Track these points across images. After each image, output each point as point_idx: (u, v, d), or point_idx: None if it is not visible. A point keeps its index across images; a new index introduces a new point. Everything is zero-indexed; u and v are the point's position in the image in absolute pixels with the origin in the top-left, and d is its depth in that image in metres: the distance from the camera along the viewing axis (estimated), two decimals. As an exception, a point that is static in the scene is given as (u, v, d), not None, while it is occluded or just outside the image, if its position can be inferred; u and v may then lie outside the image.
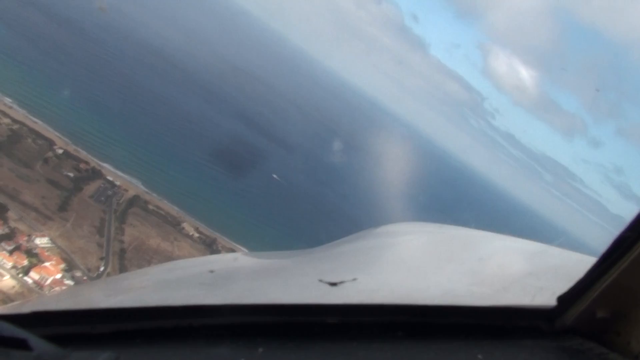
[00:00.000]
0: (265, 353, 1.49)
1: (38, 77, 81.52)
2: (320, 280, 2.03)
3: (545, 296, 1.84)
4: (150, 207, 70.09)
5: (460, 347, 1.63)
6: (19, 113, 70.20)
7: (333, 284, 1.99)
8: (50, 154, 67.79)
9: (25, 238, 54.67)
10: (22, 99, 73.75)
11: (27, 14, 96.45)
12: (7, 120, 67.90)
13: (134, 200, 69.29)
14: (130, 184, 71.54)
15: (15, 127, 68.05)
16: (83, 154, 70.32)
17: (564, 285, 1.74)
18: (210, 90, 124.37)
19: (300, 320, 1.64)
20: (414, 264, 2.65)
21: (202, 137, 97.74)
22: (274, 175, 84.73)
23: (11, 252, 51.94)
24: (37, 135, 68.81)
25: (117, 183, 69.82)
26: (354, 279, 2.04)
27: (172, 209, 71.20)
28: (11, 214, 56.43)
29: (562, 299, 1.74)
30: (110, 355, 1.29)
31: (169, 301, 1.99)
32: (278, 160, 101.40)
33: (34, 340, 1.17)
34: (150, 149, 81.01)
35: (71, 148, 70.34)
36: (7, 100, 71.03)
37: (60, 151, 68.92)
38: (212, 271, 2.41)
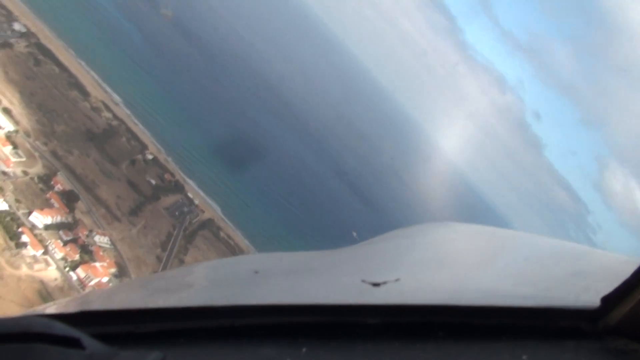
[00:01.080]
0: (308, 353, 1.52)
1: (152, 84, 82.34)
2: (363, 281, 2.01)
3: (590, 296, 1.77)
4: (222, 234, 67.08)
5: (503, 348, 1.63)
6: (123, 112, 70.60)
7: (376, 285, 1.98)
8: (139, 156, 67.14)
9: (86, 232, 52.64)
10: (130, 99, 74.27)
11: (165, 29, 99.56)
12: (108, 115, 68.32)
13: (207, 224, 66.53)
14: (209, 207, 69.19)
15: (115, 123, 68.21)
16: (172, 165, 69.13)
17: (609, 285, 1.71)
18: (313, 135, 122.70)
19: (343, 321, 1.65)
20: (457, 264, 2.61)
21: (294, 181, 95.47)
22: (354, 233, 79.91)
23: (66, 243, 49.82)
24: (133, 136, 68.59)
25: (196, 202, 67.70)
26: (397, 280, 2.03)
27: (243, 243, 67.77)
28: (80, 205, 55.09)
29: (606, 299, 1.70)
30: (157, 355, 1.34)
31: (213, 301, 2.02)
32: (364, 220, 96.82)
33: (86, 339, 1.21)
34: (238, 179, 78.82)
35: (162, 157, 69.42)
36: (116, 97, 71.80)
37: (150, 157, 68.09)
38: (256, 271, 2.45)
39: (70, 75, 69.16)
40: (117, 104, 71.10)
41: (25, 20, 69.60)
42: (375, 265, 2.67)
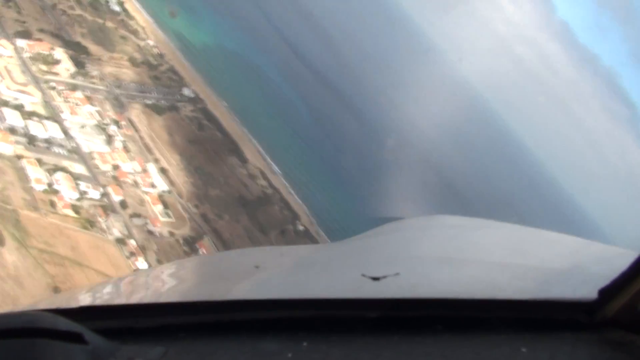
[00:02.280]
0: (309, 347, 1.53)
1: (314, 159, 78.92)
2: (363, 275, 2.04)
3: (587, 289, 1.81)
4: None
5: (503, 340, 1.66)
6: (280, 181, 67.26)
7: (375, 279, 2.01)
8: (290, 227, 62.18)
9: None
10: (289, 171, 70.88)
11: (335, 106, 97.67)
12: (264, 183, 65.42)
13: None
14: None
15: (269, 191, 64.87)
16: (323, 237, 62.89)
17: (607, 278, 1.76)
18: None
19: (343, 315, 1.68)
20: (455, 258, 2.60)
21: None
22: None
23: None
24: (286, 205, 64.46)
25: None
26: (396, 274, 2.06)
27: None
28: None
29: (603, 291, 1.74)
30: (159, 350, 1.39)
31: (213, 295, 2.07)
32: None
33: (88, 334, 1.24)
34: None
35: (313, 229, 63.73)
36: (276, 168, 69.00)
37: (302, 228, 62.70)
38: (257, 266, 2.47)
39: (232, 141, 68.45)
40: (274, 174, 68.24)
41: (195, 86, 71.87)
42: (374, 259, 2.69)
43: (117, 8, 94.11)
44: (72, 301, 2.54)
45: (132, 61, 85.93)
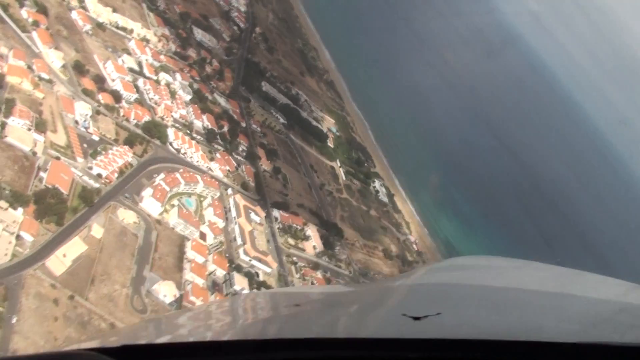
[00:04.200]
0: None
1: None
2: (404, 315, 2.05)
3: (635, 334, 1.83)
4: None
5: None
6: None
7: (417, 318, 1.99)
8: None
9: None
10: None
11: None
12: None
13: None
14: None
15: None
16: None
17: None
18: None
19: (384, 355, 1.67)
20: (498, 299, 2.54)
21: None
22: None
23: None
24: None
25: None
26: (438, 314, 2.04)
27: None
28: None
29: None
30: None
31: (254, 334, 2.14)
32: None
33: None
34: None
35: None
36: None
37: None
38: (297, 304, 2.53)
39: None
40: None
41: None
42: (416, 299, 2.66)
43: (385, 199, 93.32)
44: (114, 340, 2.56)
45: (386, 253, 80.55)
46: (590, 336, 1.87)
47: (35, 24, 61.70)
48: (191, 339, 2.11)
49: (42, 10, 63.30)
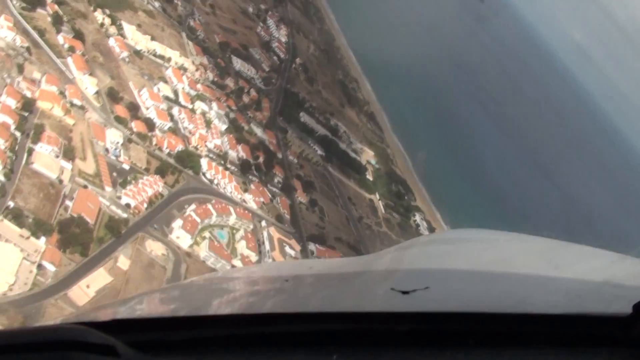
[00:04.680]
0: None
1: None
2: (393, 289, 2.07)
3: (621, 304, 1.80)
4: None
5: (535, 356, 1.66)
6: None
7: (405, 292, 2.03)
8: None
9: None
10: None
11: None
12: None
13: None
14: None
15: None
16: None
17: None
18: None
19: (373, 328, 1.69)
20: (486, 272, 2.58)
21: None
22: None
23: None
24: None
25: None
26: (427, 287, 2.08)
27: None
28: None
29: (638, 306, 1.72)
30: None
31: (244, 309, 2.21)
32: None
33: (121, 347, 1.28)
34: None
35: None
36: None
37: None
38: (286, 280, 2.54)
39: None
40: None
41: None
42: (404, 273, 2.74)
43: (426, 233, 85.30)
44: (105, 314, 2.61)
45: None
46: (576, 307, 1.88)
47: (71, 49, 61.10)
48: (183, 313, 2.10)
49: (79, 36, 62.84)
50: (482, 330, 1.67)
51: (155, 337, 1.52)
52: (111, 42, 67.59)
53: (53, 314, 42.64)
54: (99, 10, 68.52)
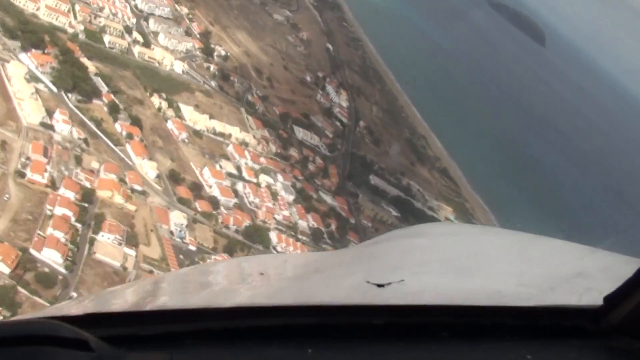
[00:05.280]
0: (314, 354, 1.54)
1: None
2: (368, 282, 2.07)
3: (593, 296, 1.86)
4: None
5: (508, 348, 1.67)
6: None
7: (380, 285, 2.04)
8: None
9: None
10: None
11: None
12: None
13: None
14: None
15: None
16: None
17: (612, 285, 1.78)
18: None
19: (348, 321, 1.69)
20: (460, 265, 2.63)
21: None
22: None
23: None
24: None
25: None
26: (401, 281, 2.09)
27: None
28: None
29: (608, 298, 1.75)
30: (164, 357, 1.41)
31: (218, 302, 2.18)
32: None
33: (94, 341, 1.26)
34: None
35: None
36: None
37: None
38: (261, 273, 2.52)
39: None
40: None
41: None
42: (379, 266, 2.72)
43: None
44: (77, 308, 2.55)
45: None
46: (548, 300, 1.91)
47: (129, 136, 60.47)
48: (156, 307, 2.07)
49: (137, 122, 62.33)
50: (457, 323, 1.67)
51: (129, 331, 1.50)
52: (169, 124, 66.98)
53: None
54: (156, 95, 68.32)
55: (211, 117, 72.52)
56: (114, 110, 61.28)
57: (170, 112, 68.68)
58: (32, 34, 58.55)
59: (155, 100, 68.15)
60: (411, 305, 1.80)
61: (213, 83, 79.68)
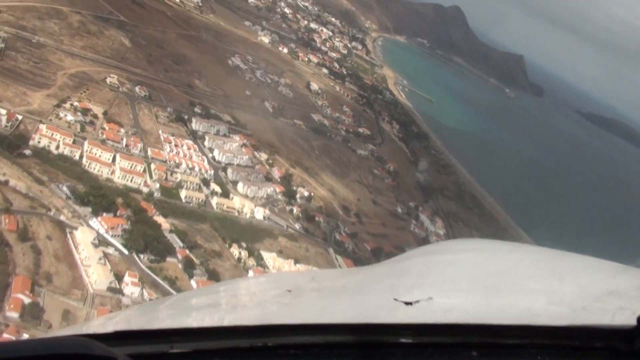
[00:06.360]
0: None
1: None
2: (396, 300, 2.06)
3: (626, 316, 1.82)
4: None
5: None
6: None
7: (408, 303, 2.02)
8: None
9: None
10: None
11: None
12: None
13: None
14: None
15: None
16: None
17: None
18: None
19: (376, 340, 1.69)
20: (489, 283, 2.56)
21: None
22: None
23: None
24: None
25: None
26: (429, 298, 2.07)
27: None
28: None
29: None
30: None
31: (246, 320, 2.17)
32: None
33: (123, 359, 1.30)
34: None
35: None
36: None
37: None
38: (289, 290, 2.48)
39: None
40: None
41: None
42: (407, 283, 2.68)
43: None
44: (107, 326, 2.53)
45: None
46: (580, 319, 1.87)
47: (207, 293, 54.32)
48: (185, 325, 2.06)
49: (213, 276, 56.71)
50: (486, 342, 1.66)
51: (158, 349, 1.51)
52: (250, 274, 61.01)
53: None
54: (235, 245, 63.66)
55: (296, 261, 66.26)
56: (189, 266, 56.59)
57: (251, 261, 63.17)
58: (103, 198, 56.73)
59: (235, 250, 63.38)
60: (440, 324, 1.78)
61: (297, 226, 74.65)
